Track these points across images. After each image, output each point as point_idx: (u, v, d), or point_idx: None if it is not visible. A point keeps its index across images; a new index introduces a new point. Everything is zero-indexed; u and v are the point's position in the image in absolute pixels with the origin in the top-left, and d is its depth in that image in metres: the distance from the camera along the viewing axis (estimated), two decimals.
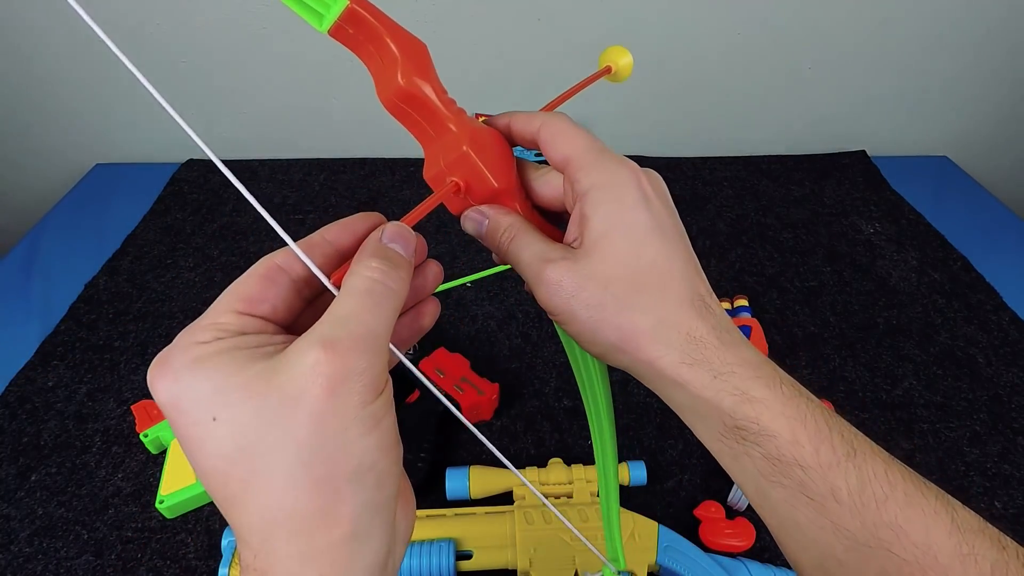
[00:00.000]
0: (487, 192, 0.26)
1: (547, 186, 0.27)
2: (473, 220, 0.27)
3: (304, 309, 0.23)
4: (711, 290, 0.25)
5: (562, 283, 0.24)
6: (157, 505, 0.51)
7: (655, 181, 0.28)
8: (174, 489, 0.52)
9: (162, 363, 0.19)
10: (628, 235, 0.24)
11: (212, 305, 0.21)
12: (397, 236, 0.22)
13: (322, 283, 0.21)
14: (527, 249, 0.25)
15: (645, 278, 0.24)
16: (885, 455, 0.23)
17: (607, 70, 0.34)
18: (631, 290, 0.23)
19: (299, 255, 0.21)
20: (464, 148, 0.25)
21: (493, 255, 0.28)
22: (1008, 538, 0.22)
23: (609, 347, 0.24)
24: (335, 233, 0.23)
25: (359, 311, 0.20)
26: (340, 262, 0.23)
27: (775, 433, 0.22)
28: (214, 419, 0.18)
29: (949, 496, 0.22)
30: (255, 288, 0.21)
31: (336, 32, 0.25)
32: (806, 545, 0.22)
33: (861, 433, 0.24)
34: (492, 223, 0.26)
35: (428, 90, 0.26)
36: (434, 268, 0.26)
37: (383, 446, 0.19)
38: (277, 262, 0.22)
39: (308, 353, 0.18)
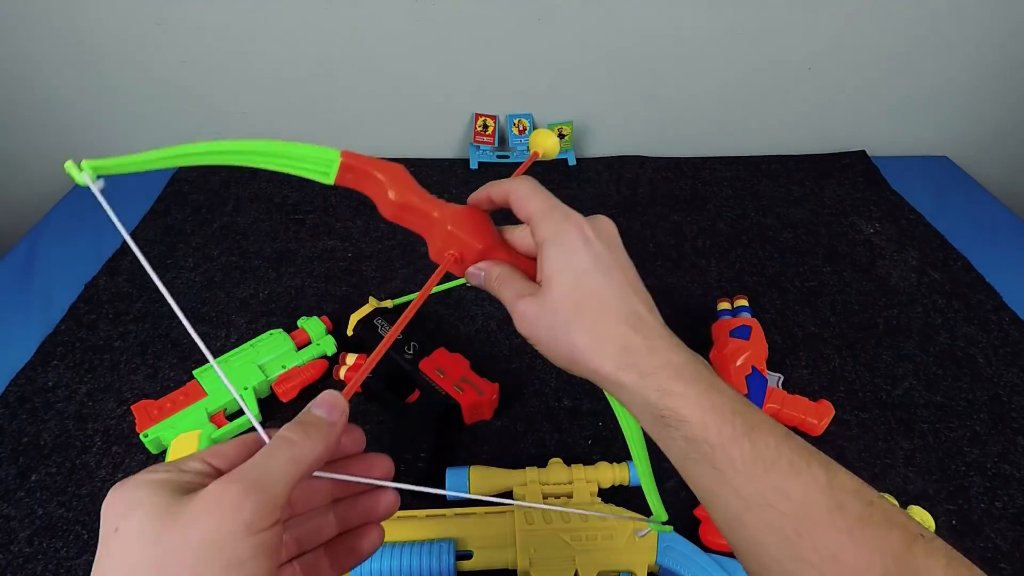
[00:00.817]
0: (476, 253, 0.34)
1: (523, 239, 0.35)
2: (473, 275, 0.34)
3: None
4: (651, 306, 0.31)
5: (527, 313, 0.31)
6: None
7: (600, 226, 0.33)
8: None
9: (123, 480, 0.23)
10: (571, 273, 0.30)
11: (191, 454, 0.25)
12: (323, 403, 0.26)
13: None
14: (509, 289, 0.32)
15: (585, 305, 0.30)
16: (781, 432, 0.27)
17: (535, 155, 0.41)
18: (575, 315, 0.30)
19: (240, 401, 0.27)
20: (449, 228, 0.34)
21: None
22: (881, 497, 0.26)
23: (565, 360, 0.31)
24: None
25: (260, 460, 0.23)
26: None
27: (688, 419, 0.27)
28: (116, 530, 0.21)
29: (835, 464, 0.27)
30: (230, 450, 0.25)
31: (340, 181, 0.32)
32: (718, 507, 0.28)
33: (769, 418, 0.28)
34: (487, 273, 0.34)
35: (413, 197, 0.34)
36: (389, 497, 0.30)
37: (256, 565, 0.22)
38: (257, 435, 0.26)
39: (215, 487, 0.22)
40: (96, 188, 0.31)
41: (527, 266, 0.34)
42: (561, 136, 0.99)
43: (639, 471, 0.39)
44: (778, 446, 0.26)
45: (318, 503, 0.29)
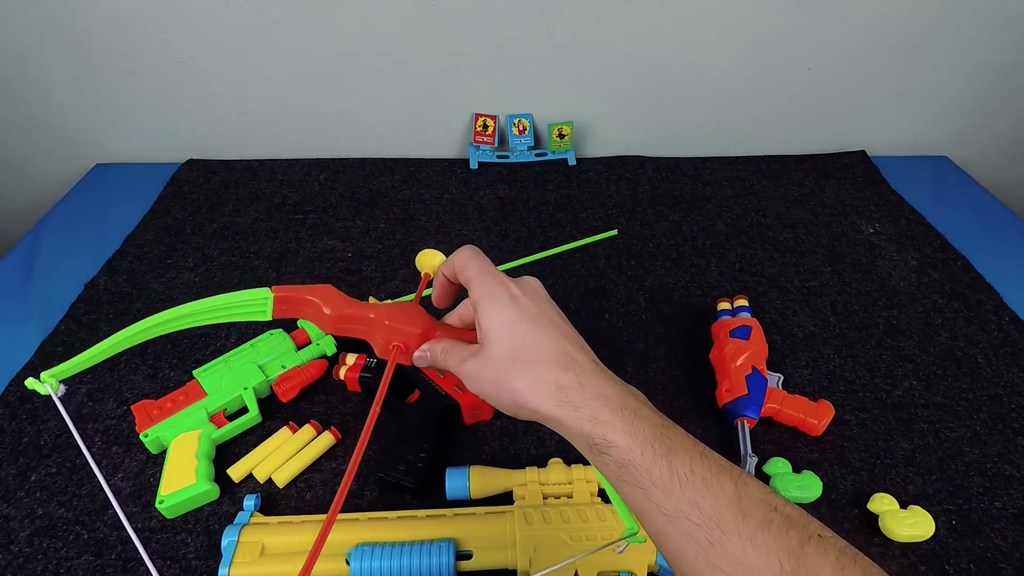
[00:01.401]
0: (416, 338, 0.38)
1: (466, 309, 0.39)
2: (421, 358, 0.38)
3: None
4: (582, 345, 0.35)
5: (471, 372, 0.35)
6: (157, 505, 0.51)
7: (526, 285, 0.37)
8: (174, 489, 0.52)
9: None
10: (502, 327, 0.34)
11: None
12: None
13: None
14: (453, 358, 0.36)
15: (519, 353, 0.33)
16: (697, 452, 0.30)
17: (427, 276, 0.46)
18: (510, 363, 0.33)
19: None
20: (386, 323, 0.38)
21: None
22: (787, 504, 0.28)
23: (511, 406, 0.34)
24: None
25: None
26: None
27: (616, 444, 0.30)
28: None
29: (747, 476, 0.29)
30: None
31: (277, 314, 0.36)
32: (647, 522, 0.30)
33: (689, 439, 0.31)
34: (431, 352, 0.38)
35: (346, 308, 0.37)
36: None
37: None
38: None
39: None
40: (57, 396, 0.34)
41: (468, 336, 0.38)
42: (561, 136, 0.99)
43: (605, 487, 0.40)
44: (692, 464, 0.29)
45: None
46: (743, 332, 0.63)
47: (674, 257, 0.81)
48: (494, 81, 0.96)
